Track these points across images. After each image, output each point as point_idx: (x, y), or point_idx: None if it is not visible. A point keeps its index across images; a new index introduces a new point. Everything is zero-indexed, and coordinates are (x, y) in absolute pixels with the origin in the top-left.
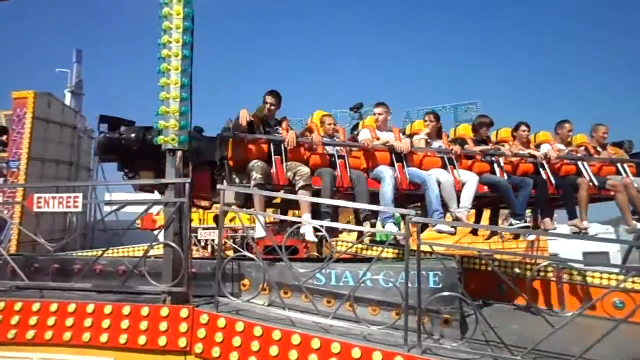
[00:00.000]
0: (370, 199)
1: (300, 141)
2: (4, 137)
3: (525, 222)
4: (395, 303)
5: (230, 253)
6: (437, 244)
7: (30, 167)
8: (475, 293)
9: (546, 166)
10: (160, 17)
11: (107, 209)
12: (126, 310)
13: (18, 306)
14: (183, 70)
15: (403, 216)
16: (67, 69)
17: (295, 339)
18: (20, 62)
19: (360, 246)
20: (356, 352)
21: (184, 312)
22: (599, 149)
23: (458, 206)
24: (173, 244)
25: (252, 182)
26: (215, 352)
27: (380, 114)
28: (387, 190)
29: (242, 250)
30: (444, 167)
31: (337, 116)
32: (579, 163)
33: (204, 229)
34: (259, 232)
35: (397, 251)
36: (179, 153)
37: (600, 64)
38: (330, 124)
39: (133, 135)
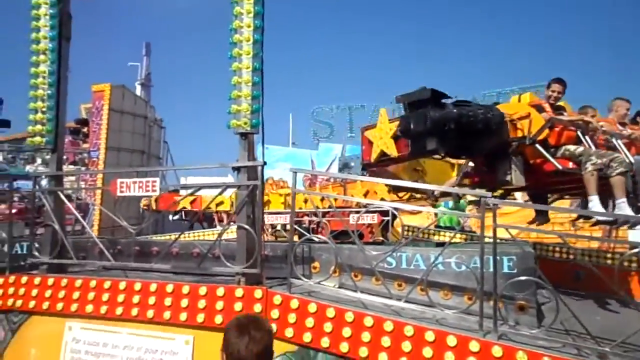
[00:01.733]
0: None
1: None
2: (85, 129)
3: None
4: (467, 287)
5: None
6: (513, 227)
7: (108, 156)
8: (549, 281)
9: None
10: (232, 2)
11: (182, 192)
12: (202, 290)
13: (107, 284)
14: (254, 54)
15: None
16: (136, 61)
17: (368, 321)
18: (89, 56)
19: (426, 231)
20: (429, 335)
21: (258, 293)
22: None
23: None
24: (246, 226)
25: (590, 167)
26: (289, 332)
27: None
28: None
29: (306, 234)
30: None
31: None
32: None
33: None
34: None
35: (463, 236)
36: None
37: None
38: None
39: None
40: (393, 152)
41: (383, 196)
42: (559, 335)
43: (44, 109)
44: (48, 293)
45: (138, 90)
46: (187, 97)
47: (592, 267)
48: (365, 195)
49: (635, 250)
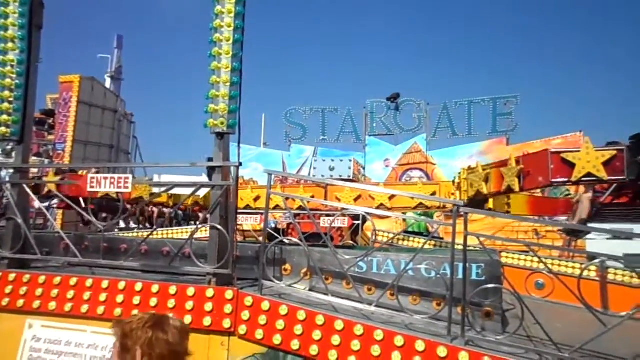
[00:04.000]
0: None
1: None
2: (51, 120)
3: None
4: (436, 293)
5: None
6: (483, 235)
7: (75, 149)
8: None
9: None
10: (213, 0)
11: (155, 190)
12: (172, 289)
13: (73, 281)
14: (234, 54)
15: None
16: (107, 54)
17: (338, 325)
18: (56, 44)
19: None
20: (399, 340)
21: (229, 294)
22: None
23: None
24: (219, 226)
25: None
26: (259, 334)
27: None
28: None
29: (278, 236)
30: None
31: (372, 106)
32: None
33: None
34: None
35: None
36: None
37: None
38: None
39: None
40: (603, 175)
41: (383, 202)
42: (522, 341)
43: (10, 99)
44: (9, 289)
45: (108, 83)
46: (160, 93)
47: (555, 276)
48: (357, 199)
49: (596, 260)
